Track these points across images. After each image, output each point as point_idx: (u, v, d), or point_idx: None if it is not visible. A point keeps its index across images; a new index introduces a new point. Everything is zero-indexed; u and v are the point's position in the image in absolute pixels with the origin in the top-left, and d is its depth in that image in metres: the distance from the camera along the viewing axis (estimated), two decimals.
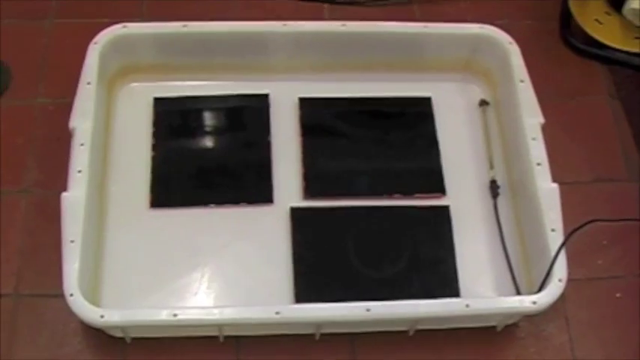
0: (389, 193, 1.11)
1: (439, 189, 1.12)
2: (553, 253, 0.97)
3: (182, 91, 1.17)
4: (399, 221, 1.08)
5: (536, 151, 1.05)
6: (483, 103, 1.18)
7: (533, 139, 1.06)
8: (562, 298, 0.96)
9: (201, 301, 1.02)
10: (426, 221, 1.09)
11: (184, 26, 1.12)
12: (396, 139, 1.15)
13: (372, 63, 1.18)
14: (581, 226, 1.03)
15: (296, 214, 1.08)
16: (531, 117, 1.07)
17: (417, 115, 1.17)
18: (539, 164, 1.04)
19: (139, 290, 1.02)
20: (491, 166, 1.13)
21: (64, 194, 0.98)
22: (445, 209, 1.10)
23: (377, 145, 1.15)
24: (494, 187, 1.11)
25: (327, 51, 1.16)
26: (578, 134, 1.19)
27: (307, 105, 1.16)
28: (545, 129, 1.07)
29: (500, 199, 1.11)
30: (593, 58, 1.26)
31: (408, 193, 1.11)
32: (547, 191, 1.02)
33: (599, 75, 1.26)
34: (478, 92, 1.20)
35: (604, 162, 1.17)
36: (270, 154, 1.12)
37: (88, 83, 1.06)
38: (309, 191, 1.10)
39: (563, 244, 0.98)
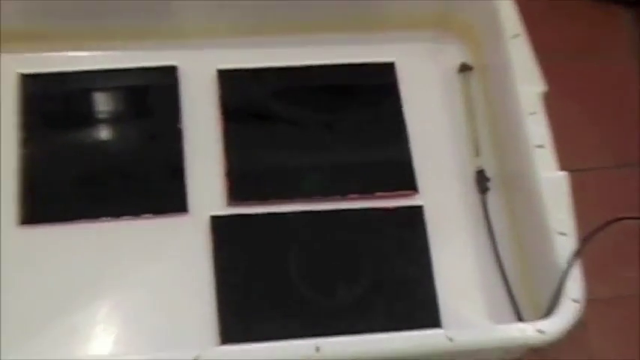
0: (342, 194, 1.01)
1: (409, 185, 1.02)
2: (564, 265, 0.88)
3: (61, 66, 1.05)
4: (356, 229, 1.00)
5: (536, 129, 0.96)
6: (464, 68, 1.09)
7: (532, 113, 0.96)
8: (581, 324, 0.86)
9: (97, 345, 0.91)
10: (392, 228, 1.00)
11: None
12: (349, 122, 1.06)
13: (315, 22, 1.08)
14: (601, 227, 0.92)
15: (218, 225, 0.98)
16: (529, 84, 0.98)
17: (376, 88, 1.08)
18: (540, 147, 0.95)
19: (12, 337, 0.90)
20: (477, 153, 1.04)
21: None
22: (418, 211, 1.01)
23: (324, 131, 1.06)
24: (481, 180, 1.02)
25: (254, 7, 1.06)
26: (592, 106, 1.11)
27: (229, 79, 1.06)
28: (549, 100, 0.97)
29: (491, 195, 1.02)
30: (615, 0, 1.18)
31: (367, 192, 1.02)
32: (552, 182, 0.93)
33: (621, 26, 1.18)
34: (457, 55, 1.11)
35: (627, 142, 1.09)
36: (182, 147, 1.02)
37: None
38: (235, 194, 1.00)
39: (577, 253, 0.88)
